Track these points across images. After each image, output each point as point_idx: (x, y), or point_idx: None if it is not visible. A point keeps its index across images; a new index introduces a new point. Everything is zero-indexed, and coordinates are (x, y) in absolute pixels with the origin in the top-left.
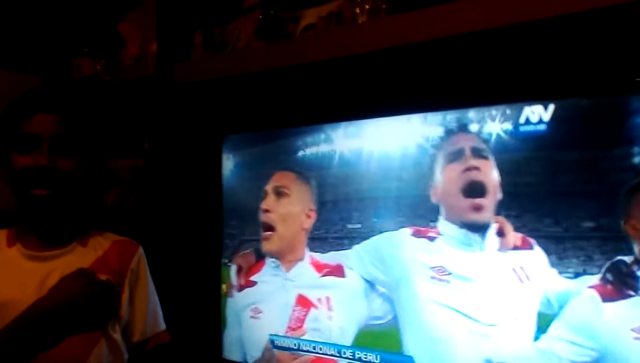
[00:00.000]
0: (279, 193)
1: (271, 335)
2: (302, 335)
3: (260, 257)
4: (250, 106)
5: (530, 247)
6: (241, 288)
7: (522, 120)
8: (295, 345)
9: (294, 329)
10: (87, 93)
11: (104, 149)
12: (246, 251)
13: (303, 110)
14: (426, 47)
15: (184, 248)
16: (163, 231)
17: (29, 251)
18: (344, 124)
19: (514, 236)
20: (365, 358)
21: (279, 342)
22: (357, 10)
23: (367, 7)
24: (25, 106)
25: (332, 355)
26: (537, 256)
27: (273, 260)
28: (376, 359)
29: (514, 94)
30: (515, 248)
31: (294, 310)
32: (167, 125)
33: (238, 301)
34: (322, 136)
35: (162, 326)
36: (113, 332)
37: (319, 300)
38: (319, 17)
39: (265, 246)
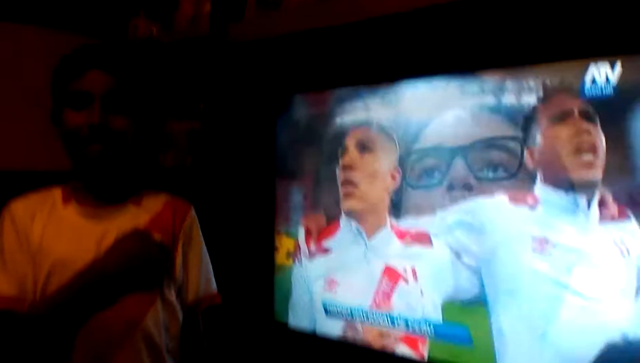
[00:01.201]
0: (364, 148)
1: (324, 300)
2: (389, 311)
3: (332, 219)
4: (307, 64)
5: (628, 218)
6: (311, 254)
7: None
8: (348, 311)
9: (379, 305)
10: (141, 52)
11: (158, 109)
12: (316, 212)
13: (361, 68)
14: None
15: (238, 210)
16: (218, 194)
17: (84, 209)
18: (424, 83)
19: (613, 207)
20: (419, 329)
21: (331, 307)
22: None
23: None
24: (77, 63)
25: (384, 324)
26: (634, 228)
27: (355, 224)
28: (429, 328)
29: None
30: (614, 219)
31: (380, 284)
32: (223, 87)
33: (309, 271)
34: (399, 94)
35: (214, 288)
36: (168, 293)
37: (405, 270)
38: None
39: (346, 205)
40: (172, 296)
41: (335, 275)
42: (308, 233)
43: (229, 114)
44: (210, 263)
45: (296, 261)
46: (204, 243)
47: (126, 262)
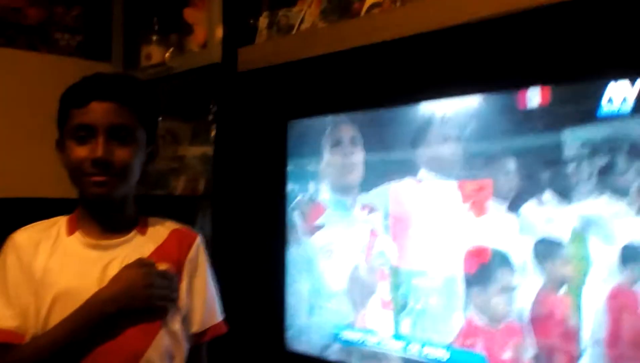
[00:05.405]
0: None
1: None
2: None
3: None
4: (317, 89)
5: None
6: None
7: None
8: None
9: None
10: (148, 81)
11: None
12: None
13: (371, 92)
14: (498, 23)
15: (250, 235)
16: (230, 220)
17: (89, 239)
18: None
19: None
20: None
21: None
22: None
23: None
24: (81, 93)
25: None
26: None
27: None
28: None
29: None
30: None
31: None
32: (234, 112)
33: None
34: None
35: (220, 317)
36: (172, 323)
37: None
38: None
39: None
40: (176, 325)
41: None
42: None
43: (241, 137)
44: (217, 293)
45: None
46: (210, 271)
47: (129, 292)
